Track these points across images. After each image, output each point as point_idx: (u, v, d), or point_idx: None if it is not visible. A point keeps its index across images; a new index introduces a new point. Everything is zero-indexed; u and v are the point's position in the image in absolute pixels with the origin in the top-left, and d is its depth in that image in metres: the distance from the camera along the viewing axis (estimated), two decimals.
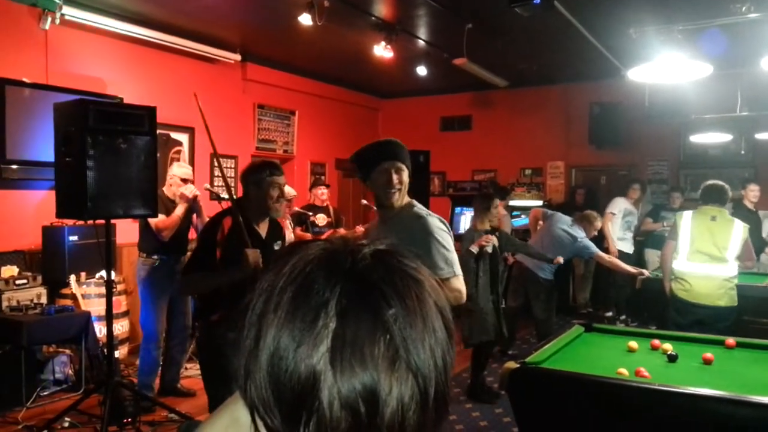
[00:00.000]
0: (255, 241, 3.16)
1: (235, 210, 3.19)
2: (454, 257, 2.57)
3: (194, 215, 4.96)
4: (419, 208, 2.68)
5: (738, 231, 4.51)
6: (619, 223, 7.73)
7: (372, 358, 0.58)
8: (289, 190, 5.75)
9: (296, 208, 6.27)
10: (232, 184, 6.87)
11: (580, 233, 5.69)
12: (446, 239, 2.56)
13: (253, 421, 0.63)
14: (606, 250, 7.39)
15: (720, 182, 4.76)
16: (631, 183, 8.01)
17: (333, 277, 0.61)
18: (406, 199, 2.71)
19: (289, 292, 0.61)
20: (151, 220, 4.70)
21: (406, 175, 2.66)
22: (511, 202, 8.74)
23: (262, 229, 3.30)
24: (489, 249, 5.02)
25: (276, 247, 3.32)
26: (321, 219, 6.44)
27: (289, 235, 5.13)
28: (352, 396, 0.57)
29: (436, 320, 0.62)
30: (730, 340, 3.47)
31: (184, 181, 4.94)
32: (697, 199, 4.91)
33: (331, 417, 0.57)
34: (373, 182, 2.69)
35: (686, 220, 4.69)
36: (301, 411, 0.58)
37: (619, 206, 7.79)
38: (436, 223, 2.59)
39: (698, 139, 8.00)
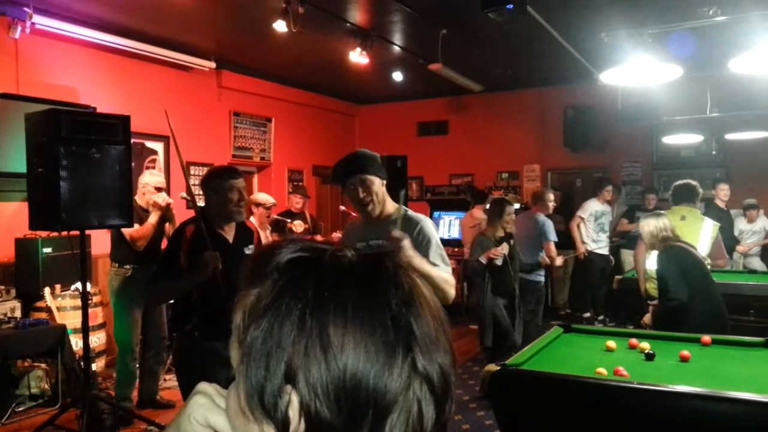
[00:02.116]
0: (220, 246, 3.17)
1: (198, 216, 3.22)
2: (445, 254, 2.77)
3: (167, 224, 4.91)
4: (411, 212, 2.78)
5: (707, 230, 4.59)
6: (591, 225, 7.83)
7: (442, 345, 0.64)
8: (267, 198, 5.75)
9: (274, 216, 6.25)
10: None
11: (540, 217, 5.83)
12: (438, 239, 2.75)
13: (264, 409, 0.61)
14: (577, 249, 7.81)
15: (689, 181, 4.84)
16: (603, 184, 8.09)
17: (391, 281, 0.64)
18: (394, 205, 2.77)
19: (351, 301, 0.61)
20: (125, 230, 4.65)
21: (376, 185, 2.72)
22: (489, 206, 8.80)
23: (229, 233, 3.31)
24: (498, 262, 5.13)
25: (247, 252, 3.32)
26: (298, 225, 6.42)
27: (266, 241, 5.11)
28: (438, 388, 0.62)
29: None
30: (706, 338, 3.52)
31: (158, 189, 4.90)
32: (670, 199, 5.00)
33: (420, 415, 0.61)
34: (349, 199, 2.81)
35: None
36: (385, 416, 0.59)
37: (590, 209, 7.87)
38: (431, 225, 2.76)
39: (670, 140, 8.13)
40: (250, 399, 0.61)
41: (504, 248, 5.20)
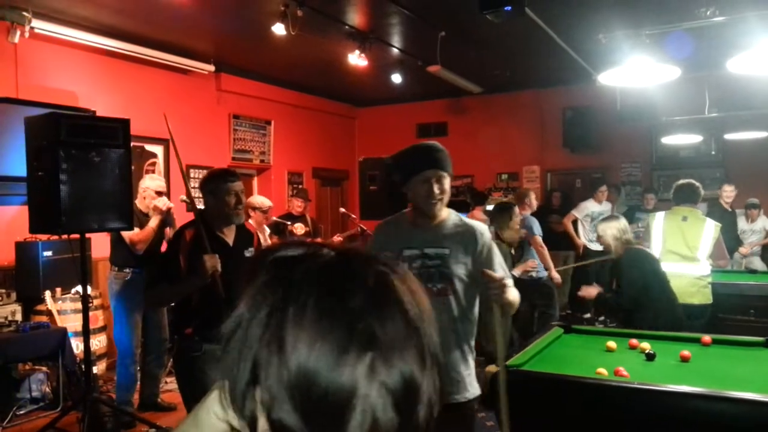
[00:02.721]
0: (220, 249, 3.17)
1: (197, 220, 3.21)
2: (503, 260, 2.66)
3: (167, 228, 4.91)
4: (464, 217, 2.64)
5: (709, 230, 4.59)
6: (588, 226, 7.90)
7: (408, 353, 0.60)
8: (263, 201, 5.73)
9: (274, 218, 6.24)
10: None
11: (524, 213, 5.94)
12: (495, 246, 2.63)
13: (246, 418, 0.61)
14: (575, 247, 8.09)
15: (691, 181, 4.85)
16: (598, 185, 8.13)
17: (357, 281, 0.62)
18: (446, 210, 2.63)
19: (311, 300, 0.60)
20: (125, 234, 4.65)
21: (448, 183, 2.55)
22: (489, 207, 8.83)
23: (228, 236, 3.31)
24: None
25: (247, 254, 3.32)
26: (299, 228, 6.42)
27: (266, 243, 5.10)
28: (398, 393, 0.59)
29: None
30: (706, 338, 3.52)
31: (159, 193, 4.90)
32: (671, 199, 5.00)
33: (375, 419, 0.58)
34: (413, 191, 2.55)
35: (658, 221, 4.78)
36: (340, 419, 0.57)
37: (586, 209, 7.96)
38: (487, 231, 2.62)
39: (669, 140, 8.14)
40: (228, 396, 0.62)
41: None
